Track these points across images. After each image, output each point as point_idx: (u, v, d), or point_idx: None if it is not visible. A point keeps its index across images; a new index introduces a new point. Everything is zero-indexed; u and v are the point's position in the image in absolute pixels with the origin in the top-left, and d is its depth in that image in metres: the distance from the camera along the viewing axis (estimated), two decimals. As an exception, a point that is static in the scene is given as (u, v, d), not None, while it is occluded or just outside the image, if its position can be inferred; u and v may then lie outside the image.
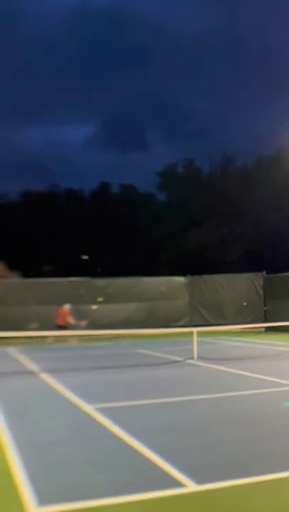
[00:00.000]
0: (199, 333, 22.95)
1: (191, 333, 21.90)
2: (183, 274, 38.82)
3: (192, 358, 20.39)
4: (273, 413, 10.57)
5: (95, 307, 34.75)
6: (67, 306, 30.43)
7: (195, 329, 22.56)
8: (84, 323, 30.62)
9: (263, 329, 35.54)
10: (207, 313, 37.59)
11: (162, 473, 7.14)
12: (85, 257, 62.10)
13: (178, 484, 6.68)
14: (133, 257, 57.50)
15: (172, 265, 53.33)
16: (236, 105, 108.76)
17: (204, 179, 64.50)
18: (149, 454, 7.92)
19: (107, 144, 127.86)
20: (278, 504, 6.07)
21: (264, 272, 38.56)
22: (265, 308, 37.82)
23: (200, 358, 20.37)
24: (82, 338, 30.58)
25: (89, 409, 11.33)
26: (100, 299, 34.69)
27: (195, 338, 21.16)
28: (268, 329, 34.52)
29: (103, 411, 11.04)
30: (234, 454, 7.93)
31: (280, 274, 36.90)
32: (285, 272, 36.10)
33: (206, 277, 38.73)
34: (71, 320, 29.55)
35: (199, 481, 6.73)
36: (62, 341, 29.52)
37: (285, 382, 14.12)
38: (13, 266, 45.74)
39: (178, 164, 68.24)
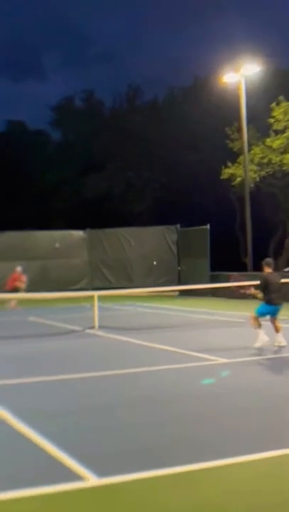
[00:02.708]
0: (101, 298, 22.99)
1: (92, 297, 21.91)
2: (81, 227, 38.68)
3: (92, 328, 20.42)
4: (186, 392, 10.69)
5: None
6: (19, 268, 30.54)
7: (96, 293, 22.58)
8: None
9: (177, 293, 36.03)
10: (110, 274, 37.74)
11: (57, 464, 7.07)
12: None
13: (76, 477, 6.63)
14: (21, 207, 56.68)
15: (69, 217, 52.95)
16: (146, 26, 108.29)
17: (107, 114, 64.00)
18: (42, 442, 7.83)
19: None
20: (192, 500, 6.12)
21: (178, 225, 38.95)
22: (180, 268, 38.32)
23: (102, 327, 20.42)
24: None
25: None
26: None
27: (96, 304, 21.18)
28: (183, 293, 35.02)
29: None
30: (141, 441, 7.96)
31: (196, 228, 37.31)
32: (203, 224, 36.50)
33: (109, 231, 38.78)
34: (21, 284, 29.90)
35: (101, 473, 6.71)
36: None
37: (201, 355, 14.33)
38: None
39: (75, 96, 67.42)
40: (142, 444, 7.83)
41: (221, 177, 40.33)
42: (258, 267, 35.78)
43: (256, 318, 15.15)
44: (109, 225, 40.25)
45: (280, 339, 15.27)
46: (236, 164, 39.92)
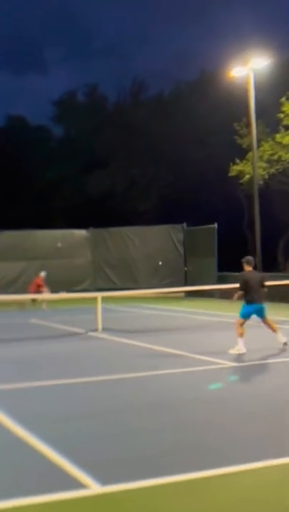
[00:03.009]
0: (104, 299, 22.99)
1: (95, 299, 21.91)
2: (84, 226, 38.69)
3: (96, 330, 20.43)
4: (193, 397, 10.70)
5: None
6: (43, 274, 31.02)
7: (99, 294, 22.58)
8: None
9: (183, 294, 36.02)
10: (114, 275, 37.74)
11: (59, 471, 7.08)
12: None
13: (79, 485, 6.64)
14: (21, 206, 56.68)
15: (71, 215, 52.97)
16: (151, 18, 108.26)
17: (110, 109, 64.00)
18: (43, 448, 7.85)
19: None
20: (198, 509, 6.10)
21: (184, 224, 38.91)
22: (186, 268, 38.29)
23: (105, 329, 20.43)
24: None
25: None
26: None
27: (99, 306, 21.18)
28: (189, 294, 35.02)
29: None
30: (145, 448, 7.97)
31: (203, 226, 37.28)
32: (210, 223, 36.48)
33: (113, 230, 38.77)
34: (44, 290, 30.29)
35: (104, 481, 6.71)
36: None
37: (208, 359, 14.34)
38: None
39: (78, 91, 67.44)
40: (147, 450, 7.83)
41: (229, 174, 40.27)
42: (267, 267, 35.90)
43: (241, 325, 15.13)
44: (113, 223, 40.23)
45: (280, 338, 15.30)
46: (245, 161, 39.84)
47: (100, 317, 20.79)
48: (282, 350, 15.08)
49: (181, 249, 38.53)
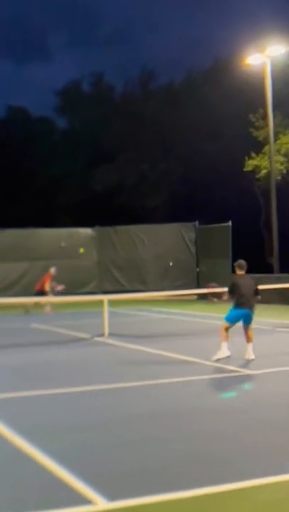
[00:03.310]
0: (112, 303, 23.03)
1: (101, 302, 21.94)
2: (89, 224, 38.75)
3: (102, 335, 20.46)
4: (205, 406, 10.73)
5: None
6: (53, 270, 30.83)
7: (106, 297, 22.62)
8: (60, 287, 30.51)
9: (195, 297, 35.97)
10: (122, 277, 37.78)
11: (63, 485, 7.11)
12: None
13: (84, 500, 6.66)
14: (23, 203, 56.77)
15: (76, 213, 53.04)
16: (161, 3, 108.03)
17: (118, 100, 63.99)
18: (46, 461, 7.88)
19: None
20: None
21: (196, 222, 38.89)
22: (198, 269, 38.27)
23: (112, 334, 20.46)
24: None
25: None
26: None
27: (106, 309, 21.21)
28: (202, 297, 34.94)
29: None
30: (154, 460, 7.99)
31: (217, 225, 37.23)
32: (224, 221, 36.47)
33: (120, 229, 38.81)
34: (53, 286, 30.30)
35: (111, 496, 6.73)
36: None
37: (222, 366, 14.36)
38: None
39: (83, 80, 67.46)
40: (156, 463, 7.86)
41: (245, 169, 40.32)
42: (285, 269, 35.85)
43: (226, 330, 15.15)
44: (121, 221, 40.29)
45: (249, 351, 15.20)
46: (261, 155, 39.89)
47: (106, 321, 20.82)
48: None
49: (193, 249, 38.51)
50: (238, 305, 15.31)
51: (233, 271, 16.22)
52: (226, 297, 16.34)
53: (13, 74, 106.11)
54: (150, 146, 55.89)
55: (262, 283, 28.20)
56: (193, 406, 10.75)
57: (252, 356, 15.02)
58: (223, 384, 12.61)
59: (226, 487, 6.90)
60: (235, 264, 16.02)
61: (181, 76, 60.78)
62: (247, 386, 12.21)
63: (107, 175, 55.09)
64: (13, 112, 67.16)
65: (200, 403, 10.97)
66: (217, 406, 10.70)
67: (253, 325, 14.26)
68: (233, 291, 15.48)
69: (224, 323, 15.25)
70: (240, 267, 15.82)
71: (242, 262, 16.09)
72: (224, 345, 14.98)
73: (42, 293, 29.55)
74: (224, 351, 14.90)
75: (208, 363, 14.73)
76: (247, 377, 13.14)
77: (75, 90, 66.09)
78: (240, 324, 15.25)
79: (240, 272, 15.76)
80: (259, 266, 38.81)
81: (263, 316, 25.06)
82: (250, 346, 15.20)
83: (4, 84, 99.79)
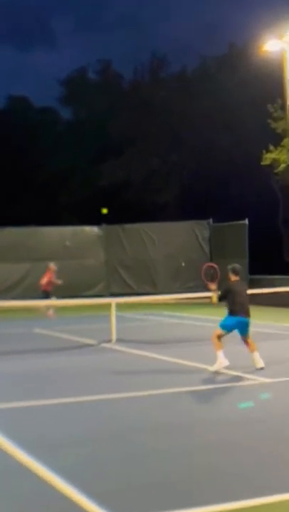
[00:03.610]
0: (119, 306, 23.03)
1: (108, 305, 21.95)
2: (96, 222, 38.78)
3: (109, 341, 20.47)
4: (219, 417, 10.74)
5: None
6: (52, 265, 30.66)
7: (113, 300, 22.62)
8: (59, 282, 30.45)
9: (209, 300, 35.94)
10: (130, 278, 37.80)
11: (67, 502, 7.12)
12: None
13: (88, 517, 6.71)
14: (25, 200, 56.85)
15: (81, 210, 53.09)
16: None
17: (126, 89, 64.00)
18: (49, 476, 7.89)
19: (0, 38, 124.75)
20: None
21: (210, 220, 38.89)
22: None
23: (120, 340, 20.47)
24: None
25: None
26: None
27: (113, 313, 21.22)
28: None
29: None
30: (165, 475, 7.99)
31: (232, 223, 37.22)
32: (240, 219, 36.45)
33: (129, 227, 38.82)
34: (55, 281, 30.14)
35: (119, 512, 6.77)
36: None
37: (238, 374, 14.39)
38: None
39: (89, 68, 67.43)
40: (167, 477, 7.86)
41: (262, 163, 40.20)
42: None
43: (219, 337, 15.11)
44: (129, 219, 40.26)
45: (256, 359, 15.12)
46: (280, 148, 39.76)
47: (114, 326, 20.82)
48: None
49: (206, 249, 38.52)
50: (233, 312, 15.26)
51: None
52: (212, 288, 16.23)
53: (15, 61, 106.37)
54: (160, 138, 55.84)
55: (281, 284, 28.31)
56: (206, 416, 10.75)
57: (261, 364, 14.92)
58: (236, 393, 12.62)
59: (242, 504, 6.89)
60: (230, 268, 15.89)
61: (194, 63, 60.77)
62: (262, 395, 12.19)
63: (114, 169, 55.08)
64: (14, 102, 67.16)
65: (212, 413, 10.98)
66: (231, 416, 10.69)
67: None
68: (226, 298, 15.45)
69: (218, 331, 15.18)
70: (235, 272, 15.77)
71: (237, 266, 16.09)
72: (220, 355, 14.88)
73: (46, 293, 29.45)
74: (222, 361, 14.81)
75: (223, 370, 14.72)
76: (262, 386, 13.13)
77: (81, 79, 66.08)
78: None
79: (235, 278, 15.72)
80: (277, 266, 38.83)
81: (280, 321, 25.09)
82: (255, 355, 15.09)
83: (5, 72, 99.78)
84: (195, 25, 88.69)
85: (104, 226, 38.47)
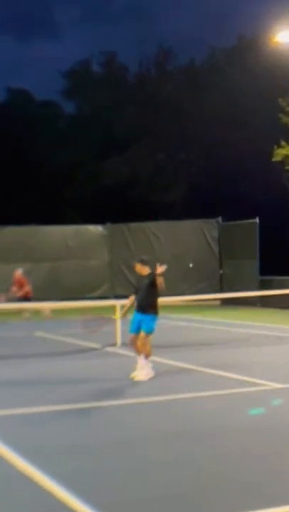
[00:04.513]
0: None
1: (113, 307, 21.93)
2: (100, 221, 38.75)
3: (114, 345, 20.46)
4: (229, 425, 10.71)
5: None
6: (20, 271, 30.43)
7: (118, 302, 22.59)
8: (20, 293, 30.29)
9: (219, 302, 35.96)
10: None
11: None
12: None
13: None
14: (26, 197, 56.83)
15: (84, 208, 53.07)
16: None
17: (131, 82, 64.01)
18: (50, 485, 7.88)
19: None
20: None
21: (219, 218, 38.86)
22: (222, 271, 38.23)
23: (125, 344, 20.39)
24: None
25: None
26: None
27: (118, 316, 21.20)
28: (226, 302, 34.95)
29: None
30: (174, 484, 7.97)
31: (242, 221, 37.17)
32: (251, 217, 36.39)
33: (134, 226, 38.81)
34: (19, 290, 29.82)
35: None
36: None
37: (248, 379, 14.35)
38: None
39: (93, 60, 67.38)
40: (175, 487, 7.84)
41: (273, 159, 40.15)
42: None
43: (148, 341, 15.13)
44: (134, 218, 40.23)
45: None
46: (292, 143, 39.74)
47: (118, 330, 20.80)
48: None
49: (215, 249, 38.50)
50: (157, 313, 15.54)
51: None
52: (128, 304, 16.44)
53: (15, 53, 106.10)
54: (167, 134, 55.84)
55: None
56: (217, 424, 10.74)
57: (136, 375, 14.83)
58: (247, 399, 12.58)
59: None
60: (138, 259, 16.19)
61: (202, 55, 60.76)
62: (273, 401, 12.16)
63: (119, 166, 55.02)
64: (14, 95, 67.04)
65: (224, 421, 10.96)
66: (241, 423, 10.67)
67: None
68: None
69: (143, 335, 15.14)
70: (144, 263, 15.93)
71: (144, 256, 16.24)
72: (148, 364, 14.92)
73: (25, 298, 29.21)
74: (149, 370, 14.84)
75: (233, 375, 14.71)
76: (273, 392, 13.10)
77: (84, 71, 66.02)
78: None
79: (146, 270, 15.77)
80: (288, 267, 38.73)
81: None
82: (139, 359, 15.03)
83: (4, 64, 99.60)
84: (203, 14, 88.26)
85: (108, 225, 38.43)
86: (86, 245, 37.73)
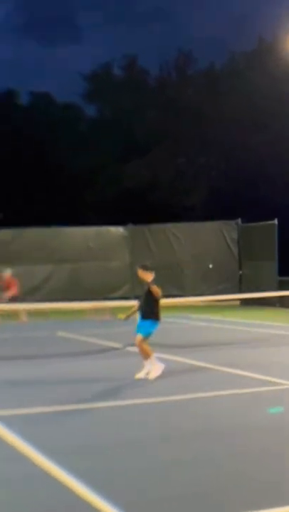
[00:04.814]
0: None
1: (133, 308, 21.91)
2: (121, 222, 38.75)
3: (134, 345, 20.43)
4: (249, 423, 10.63)
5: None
6: (8, 272, 30.36)
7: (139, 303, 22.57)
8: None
9: (238, 303, 35.92)
10: (156, 280, 37.47)
11: (91, 510, 7.10)
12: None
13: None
14: (48, 199, 56.92)
15: (106, 210, 53.08)
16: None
17: (152, 85, 64.01)
18: (71, 483, 7.83)
19: (22, 32, 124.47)
20: None
21: (239, 220, 38.78)
22: (241, 272, 38.16)
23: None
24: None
25: (-18, 419, 11.25)
26: None
27: (139, 316, 21.17)
28: (245, 302, 34.92)
29: (6, 421, 10.96)
30: (194, 483, 7.91)
31: (262, 223, 37.09)
32: (270, 219, 36.29)
33: (155, 228, 38.80)
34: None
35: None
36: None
37: (268, 378, 14.27)
38: None
39: (114, 64, 67.35)
40: (195, 486, 7.79)
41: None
42: None
43: (146, 343, 15.11)
44: (155, 220, 40.20)
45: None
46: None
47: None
48: None
49: (235, 250, 38.43)
50: (159, 317, 15.63)
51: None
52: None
53: (37, 56, 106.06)
54: (188, 137, 55.81)
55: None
56: (237, 423, 10.67)
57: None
58: (266, 398, 12.51)
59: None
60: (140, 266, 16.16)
61: (223, 59, 60.60)
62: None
63: (140, 169, 54.99)
64: (36, 98, 67.16)
65: (244, 420, 10.89)
66: (261, 423, 10.59)
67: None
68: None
69: (140, 338, 15.22)
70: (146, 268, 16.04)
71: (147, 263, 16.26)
72: (154, 360, 15.01)
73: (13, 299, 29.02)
74: (159, 365, 14.93)
75: (253, 375, 14.65)
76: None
77: (105, 74, 65.99)
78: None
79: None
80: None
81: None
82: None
83: (27, 68, 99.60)
84: (223, 18, 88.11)
85: (129, 226, 38.42)
86: (107, 246, 37.73)
